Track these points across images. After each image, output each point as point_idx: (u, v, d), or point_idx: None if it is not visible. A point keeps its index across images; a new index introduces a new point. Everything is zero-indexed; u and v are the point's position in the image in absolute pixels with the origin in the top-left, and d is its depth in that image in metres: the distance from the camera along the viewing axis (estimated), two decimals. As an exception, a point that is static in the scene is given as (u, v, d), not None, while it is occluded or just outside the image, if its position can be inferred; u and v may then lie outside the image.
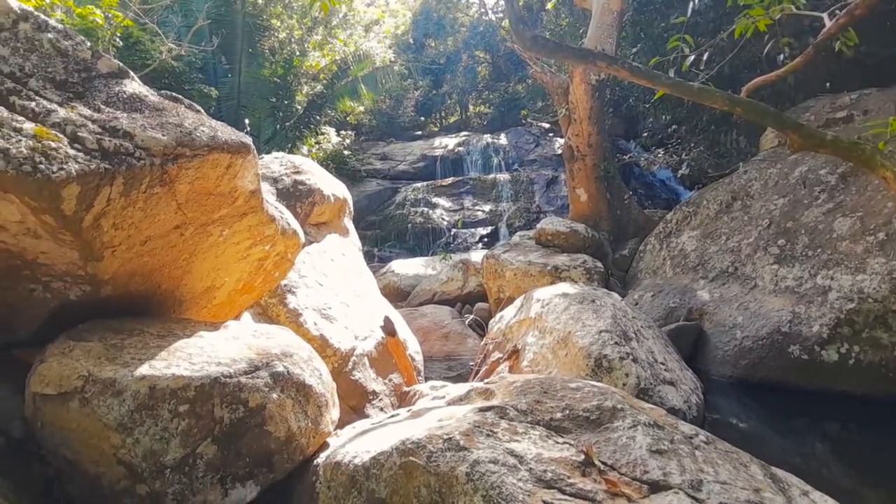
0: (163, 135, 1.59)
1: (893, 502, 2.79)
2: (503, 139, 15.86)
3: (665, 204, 9.27)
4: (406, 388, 3.40)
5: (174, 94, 1.84)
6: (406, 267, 7.82)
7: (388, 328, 3.49)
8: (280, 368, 1.66)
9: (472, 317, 5.82)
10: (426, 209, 13.08)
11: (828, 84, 6.54)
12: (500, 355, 3.85)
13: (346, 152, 14.28)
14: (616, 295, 3.90)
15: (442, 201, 13.44)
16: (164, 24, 9.43)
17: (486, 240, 11.81)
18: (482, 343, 4.31)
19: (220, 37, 9.28)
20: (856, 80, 6.08)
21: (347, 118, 16.17)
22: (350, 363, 3.37)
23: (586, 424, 1.47)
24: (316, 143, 13.63)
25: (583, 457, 1.33)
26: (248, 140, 1.86)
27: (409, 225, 12.70)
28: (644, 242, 5.90)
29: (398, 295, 7.17)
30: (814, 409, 3.61)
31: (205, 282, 2.20)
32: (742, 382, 3.96)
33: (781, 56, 3.00)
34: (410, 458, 1.33)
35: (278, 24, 13.06)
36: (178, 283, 2.04)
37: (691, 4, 2.84)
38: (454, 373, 4.87)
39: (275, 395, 1.60)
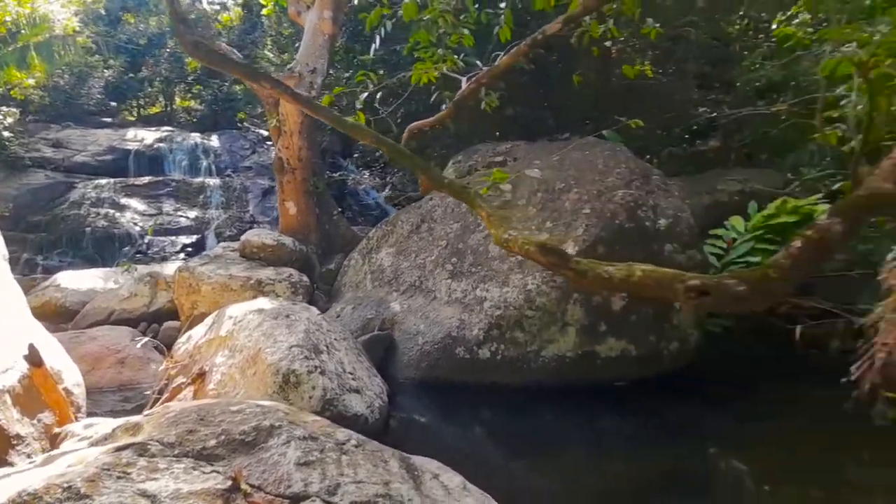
0: None
1: (521, 468, 3.58)
2: (215, 141, 14.59)
3: (377, 221, 9.99)
4: (57, 429, 2.78)
5: None
6: (76, 280, 6.44)
7: (34, 358, 2.80)
8: None
9: (146, 339, 5.03)
10: (112, 211, 11.05)
11: (497, 133, 8.23)
12: (185, 380, 3.50)
13: (5, 133, 11.07)
14: (314, 309, 4.00)
15: (134, 203, 11.57)
16: None
17: (190, 249, 10.63)
18: (162, 367, 3.85)
19: None
20: (515, 132, 7.79)
21: (11, 91, 12.49)
22: (-29, 406, 2.58)
23: (241, 448, 1.45)
24: (-37, 117, 10.18)
25: (230, 483, 1.30)
26: None
27: (88, 229, 10.52)
28: (348, 257, 6.22)
29: (64, 314, 5.85)
30: (473, 400, 4.36)
31: None
32: (423, 383, 4.51)
33: (444, 105, 3.66)
34: (7, 522, 1.08)
35: None
36: None
37: (373, 45, 3.17)
38: (131, 405, 4.22)
39: None
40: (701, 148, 9.74)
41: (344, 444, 1.55)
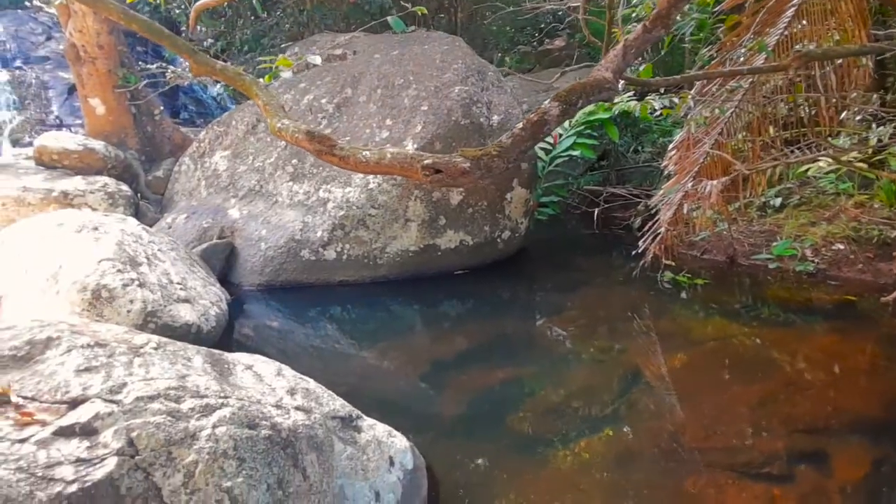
0: None
1: (364, 355, 3.81)
2: (-6, 23, 11.72)
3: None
4: None
5: None
6: None
7: None
8: None
9: None
10: None
11: (345, 22, 7.72)
12: (-25, 307, 3.06)
13: None
14: (131, 220, 3.64)
15: None
16: None
17: (-23, 161, 8.81)
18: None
19: None
20: (362, 20, 7.37)
21: None
22: None
23: (13, 363, 1.34)
24: None
25: (-4, 398, 1.22)
26: None
27: None
28: (179, 163, 5.65)
29: None
30: (322, 299, 4.43)
31: None
32: (268, 288, 4.46)
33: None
34: None
35: None
36: None
37: None
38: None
39: None
40: (548, 46, 10.06)
41: (140, 347, 1.50)
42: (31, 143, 8.86)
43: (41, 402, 1.23)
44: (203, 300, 3.32)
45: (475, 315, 4.30)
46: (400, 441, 1.99)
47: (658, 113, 4.44)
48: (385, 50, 5.32)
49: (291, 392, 1.65)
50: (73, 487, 1.09)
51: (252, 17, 8.15)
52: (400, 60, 5.04)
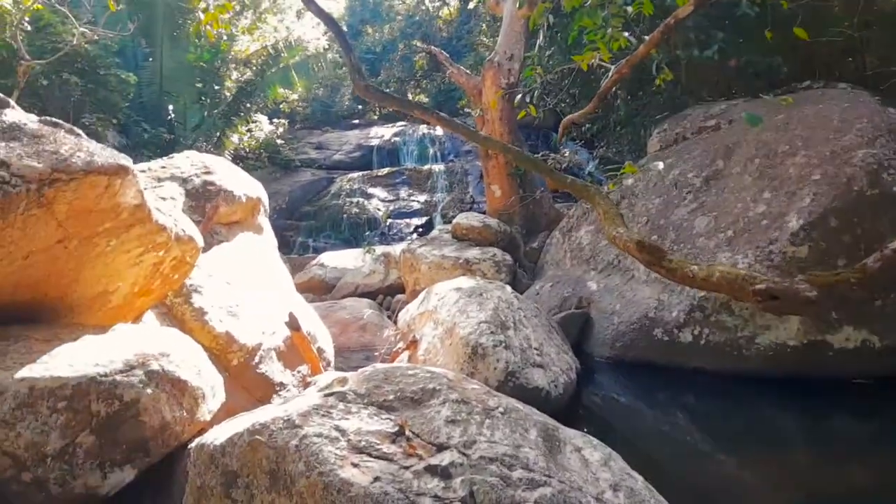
0: (38, 162, 1.79)
1: (719, 459, 3.36)
2: (439, 129, 16.11)
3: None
4: (309, 379, 3.68)
5: (55, 119, 2.02)
6: (334, 260, 8.01)
7: (293, 323, 3.75)
8: (155, 367, 1.91)
9: (370, 311, 5.83)
10: (361, 199, 13.19)
11: (730, 88, 7.27)
12: (402, 345, 4.19)
13: (279, 141, 14.15)
14: (507, 288, 4.31)
15: (378, 192, 13.58)
16: (76, 5, 9.01)
17: (420, 230, 12.09)
18: (390, 333, 4.64)
19: (138, 20, 9.00)
20: (742, 86, 6.79)
21: (280, 106, 15.92)
22: (257, 357, 3.61)
23: (411, 404, 1.81)
24: (247, 130, 13.44)
25: (398, 428, 1.67)
26: (127, 162, 2.07)
27: (345, 215, 12.77)
28: (550, 236, 6.38)
29: (324, 288, 7.37)
30: (673, 383, 4.17)
31: (96, 287, 2.39)
32: (618, 362, 4.49)
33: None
34: (256, 436, 1.63)
35: (203, 6, 12.79)
36: (67, 291, 2.23)
37: (537, 41, 3.18)
38: (369, 362, 5.18)
39: (149, 391, 1.85)
40: None
41: (492, 409, 1.79)
42: (453, 217, 11.63)
43: (421, 439, 1.63)
44: (555, 367, 3.62)
45: (883, 441, 3.24)
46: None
47: None
48: (767, 115, 4.77)
49: (615, 488, 1.64)
50: (430, 517, 1.39)
51: (628, 97, 8.65)
52: (785, 125, 4.45)
